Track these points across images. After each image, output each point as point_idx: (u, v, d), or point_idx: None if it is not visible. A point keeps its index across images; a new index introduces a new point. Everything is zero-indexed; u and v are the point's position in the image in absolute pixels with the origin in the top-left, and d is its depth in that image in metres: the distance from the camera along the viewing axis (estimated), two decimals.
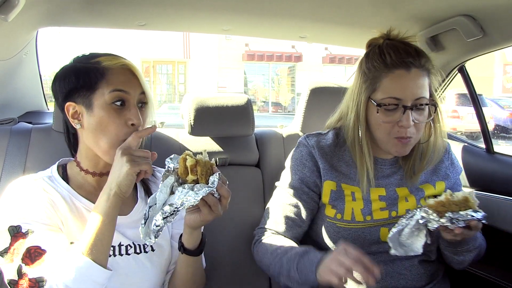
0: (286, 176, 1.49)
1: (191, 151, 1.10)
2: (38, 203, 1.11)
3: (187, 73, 21.93)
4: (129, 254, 1.18)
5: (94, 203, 1.16)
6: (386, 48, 1.28)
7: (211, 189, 1.04)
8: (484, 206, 1.63)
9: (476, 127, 2.04)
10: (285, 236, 1.43)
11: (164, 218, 1.03)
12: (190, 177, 1.05)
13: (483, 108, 1.89)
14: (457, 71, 1.85)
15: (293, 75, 23.00)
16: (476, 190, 1.54)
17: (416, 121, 1.27)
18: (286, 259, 1.29)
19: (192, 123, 1.69)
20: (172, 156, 1.12)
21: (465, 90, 1.89)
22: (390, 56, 1.26)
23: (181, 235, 1.22)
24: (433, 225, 1.17)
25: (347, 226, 1.37)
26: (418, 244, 1.22)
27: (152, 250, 1.23)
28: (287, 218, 1.43)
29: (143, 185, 1.31)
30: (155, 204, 1.06)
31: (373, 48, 1.33)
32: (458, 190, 1.44)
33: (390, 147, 1.33)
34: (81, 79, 1.16)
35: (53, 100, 1.28)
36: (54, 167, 1.25)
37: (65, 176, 1.22)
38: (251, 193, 1.77)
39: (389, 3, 1.53)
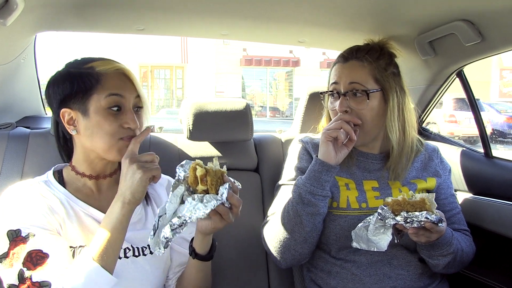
0: (286, 173, 1.56)
1: (197, 159, 1.09)
2: (36, 208, 1.11)
3: (185, 78, 21.94)
4: (127, 257, 1.18)
5: (92, 206, 1.18)
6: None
7: (220, 201, 1.03)
8: (483, 210, 1.64)
9: (473, 131, 2.05)
10: None
11: (172, 230, 1.03)
12: (200, 187, 1.05)
13: (480, 112, 1.90)
14: (455, 76, 1.86)
15: (291, 80, 23.03)
16: (475, 195, 1.55)
17: (351, 106, 1.40)
18: (289, 200, 1.39)
19: (191, 128, 1.69)
20: (183, 162, 1.12)
21: (462, 95, 1.89)
22: (339, 55, 1.49)
23: (191, 241, 1.22)
24: (389, 222, 1.23)
25: (343, 213, 1.41)
26: (384, 241, 1.26)
27: (151, 253, 1.22)
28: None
29: None
30: (165, 213, 1.06)
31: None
32: (448, 189, 1.53)
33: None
34: (76, 85, 1.16)
35: None
36: (50, 172, 1.25)
37: (61, 181, 1.23)
38: (250, 198, 1.76)
39: (388, 8, 1.53)
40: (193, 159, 1.72)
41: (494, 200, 1.63)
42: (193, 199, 1.03)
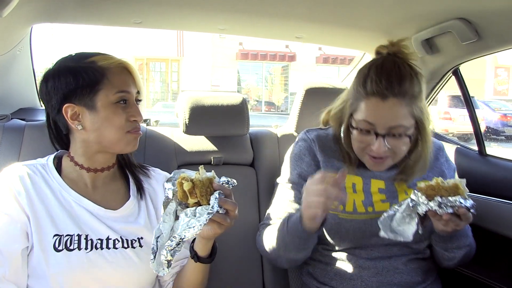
0: (285, 172, 1.52)
1: (182, 169, 1.09)
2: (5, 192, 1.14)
3: (180, 71, 21.86)
4: (116, 248, 1.19)
5: (84, 197, 1.20)
6: (372, 73, 1.29)
7: (211, 214, 1.01)
8: (477, 208, 1.65)
9: (467, 129, 2.06)
10: None
11: (170, 251, 1.02)
12: (191, 200, 1.03)
13: (475, 109, 1.91)
14: (451, 74, 1.86)
15: (287, 74, 23.00)
16: (468, 193, 1.56)
17: (390, 147, 1.29)
18: (278, 232, 1.37)
19: (187, 122, 1.69)
20: (170, 175, 1.11)
21: (457, 92, 1.90)
22: (371, 83, 1.28)
23: (192, 243, 1.22)
24: (422, 209, 1.19)
25: (349, 217, 1.38)
26: (409, 231, 1.23)
27: (140, 246, 1.22)
28: (288, 213, 1.44)
29: (136, 182, 1.32)
30: (162, 234, 1.05)
31: (364, 66, 1.35)
32: None
33: (365, 162, 1.38)
34: (81, 79, 1.16)
35: None
36: (51, 156, 1.27)
37: (59, 168, 1.24)
38: (245, 193, 1.77)
39: (385, 5, 1.53)
40: (189, 153, 1.74)
41: (488, 197, 1.64)
42: (186, 215, 1.02)
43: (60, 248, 1.12)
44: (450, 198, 1.16)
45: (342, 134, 1.42)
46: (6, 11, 1.23)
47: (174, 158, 1.72)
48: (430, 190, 1.19)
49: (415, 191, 1.21)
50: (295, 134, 1.91)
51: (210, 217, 1.01)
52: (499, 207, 1.58)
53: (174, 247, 1.01)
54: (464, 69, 1.86)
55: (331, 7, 1.60)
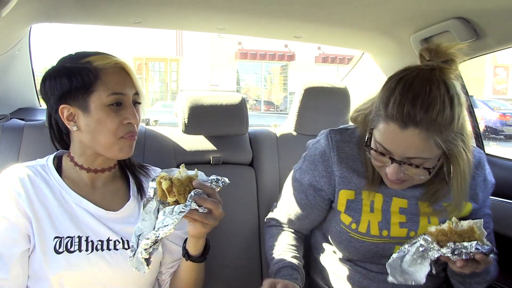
0: (301, 166, 1.42)
1: (162, 172, 1.07)
2: (5, 195, 1.13)
3: (179, 71, 21.85)
4: (117, 249, 1.18)
5: (84, 198, 1.19)
6: (397, 92, 1.10)
7: (184, 212, 1.00)
8: None
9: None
10: (288, 228, 1.47)
11: (146, 249, 1.02)
12: (170, 199, 1.04)
13: (474, 110, 1.91)
14: None
15: (286, 74, 23.00)
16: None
17: (408, 173, 1.15)
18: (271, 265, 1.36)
19: (186, 122, 1.69)
20: (155, 176, 1.11)
21: None
22: (393, 105, 1.09)
23: (185, 242, 1.22)
24: (433, 255, 1.08)
25: (361, 238, 1.29)
26: (421, 273, 1.12)
27: None
28: (291, 213, 1.43)
29: (136, 182, 1.31)
30: (143, 232, 1.05)
31: (392, 80, 1.14)
32: (484, 209, 1.34)
33: (383, 178, 1.24)
34: (75, 81, 1.15)
35: None
36: (51, 157, 1.26)
37: (59, 168, 1.23)
38: (244, 192, 1.77)
39: (384, 5, 1.53)
40: (188, 152, 1.74)
41: (491, 197, 1.64)
42: (164, 213, 1.02)
43: (60, 250, 1.12)
44: (465, 243, 1.05)
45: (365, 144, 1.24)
46: (5, 10, 1.22)
47: (173, 158, 1.72)
48: (441, 235, 1.08)
49: (425, 236, 1.10)
50: (294, 133, 1.91)
51: (182, 215, 1.00)
52: (498, 206, 1.59)
53: (151, 245, 1.01)
54: (463, 68, 1.86)
55: (330, 7, 1.60)
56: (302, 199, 1.41)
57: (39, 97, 2.21)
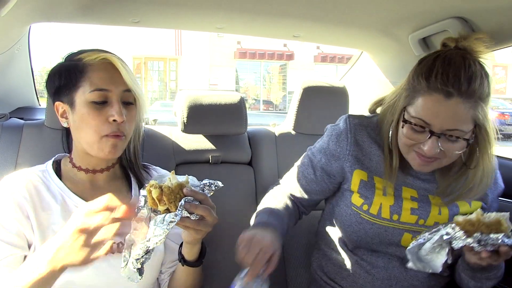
0: (317, 144, 1.45)
1: (150, 181, 1.03)
2: (8, 206, 1.10)
3: (178, 70, 21.85)
4: (120, 252, 1.18)
5: (86, 200, 1.15)
6: (441, 62, 1.15)
7: (175, 222, 0.97)
8: None
9: None
10: (290, 195, 1.48)
11: (137, 260, 0.99)
12: (161, 207, 1.01)
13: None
14: None
15: (285, 73, 23.02)
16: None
17: (443, 149, 1.16)
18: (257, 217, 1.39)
19: (185, 121, 1.69)
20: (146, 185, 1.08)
21: None
22: (436, 75, 1.13)
23: (180, 247, 1.21)
24: (458, 244, 1.08)
25: (371, 219, 1.30)
26: (437, 261, 1.14)
27: None
28: (297, 183, 1.46)
29: (138, 182, 1.31)
30: (134, 242, 1.02)
31: (430, 56, 1.21)
32: (491, 210, 1.33)
33: (410, 160, 1.25)
34: (63, 78, 1.16)
35: (44, 96, 1.28)
36: (50, 162, 1.25)
37: (58, 172, 1.22)
38: (243, 191, 1.78)
39: (382, 4, 1.54)
40: (187, 151, 1.74)
41: None
42: (155, 222, 0.99)
43: None
44: (491, 235, 1.05)
45: (390, 131, 1.27)
46: (5, 10, 1.23)
47: (172, 157, 1.73)
48: (468, 225, 1.08)
49: (452, 224, 1.10)
50: (293, 132, 1.92)
51: (173, 225, 0.97)
52: (499, 206, 1.59)
53: (143, 255, 0.99)
54: None
55: (328, 6, 1.60)
56: (310, 174, 1.43)
57: (38, 96, 2.21)
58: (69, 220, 0.90)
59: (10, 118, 1.71)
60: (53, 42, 15.90)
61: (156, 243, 0.96)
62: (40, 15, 1.62)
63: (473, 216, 1.08)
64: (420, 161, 1.21)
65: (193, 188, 1.03)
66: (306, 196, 1.46)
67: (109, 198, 0.89)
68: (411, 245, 1.17)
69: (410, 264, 1.17)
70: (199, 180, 1.09)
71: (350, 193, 1.36)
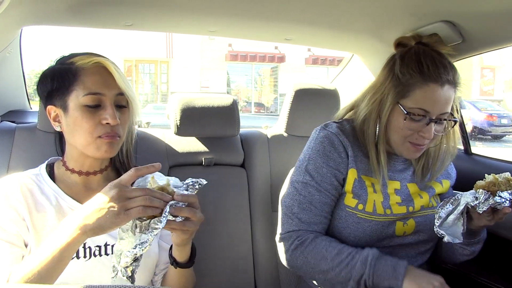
0: (311, 166, 1.38)
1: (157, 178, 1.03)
2: (4, 208, 1.10)
3: (169, 73, 21.78)
4: (108, 255, 1.17)
5: (80, 203, 1.15)
6: (424, 56, 1.29)
7: (159, 229, 0.95)
8: None
9: None
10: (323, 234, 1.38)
11: (126, 268, 0.97)
12: None
13: (461, 110, 1.94)
14: None
15: (276, 75, 23.02)
16: (454, 190, 1.59)
17: (436, 132, 1.31)
18: (359, 262, 1.24)
19: (178, 123, 1.70)
20: None
21: None
22: (428, 67, 1.26)
23: (170, 248, 1.20)
24: (484, 206, 1.17)
25: (368, 217, 1.34)
26: (458, 232, 1.22)
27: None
28: (320, 215, 1.36)
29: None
30: (123, 251, 0.98)
31: (409, 52, 1.32)
32: (450, 192, 1.52)
33: (403, 150, 1.35)
34: (56, 81, 1.16)
35: (35, 99, 1.27)
36: (43, 165, 1.24)
37: (52, 175, 1.22)
38: (236, 193, 1.79)
39: (372, 8, 1.56)
40: (180, 154, 1.75)
41: None
42: (140, 229, 0.97)
43: None
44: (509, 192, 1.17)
45: (377, 129, 1.35)
46: None
47: (165, 160, 1.73)
48: (492, 186, 1.19)
49: (471, 191, 1.21)
50: (285, 134, 1.93)
51: (158, 231, 0.95)
52: None
53: (131, 263, 0.96)
54: None
55: (320, 10, 1.62)
56: (321, 198, 1.36)
57: (30, 99, 2.20)
58: (96, 195, 0.98)
59: (1, 121, 1.70)
60: (41, 44, 15.77)
61: (143, 250, 0.95)
62: (32, 18, 1.61)
63: (491, 178, 1.20)
64: (414, 149, 1.33)
65: (175, 189, 1.01)
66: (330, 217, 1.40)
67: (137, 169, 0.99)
68: (436, 223, 1.24)
69: (446, 238, 1.22)
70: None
71: (343, 196, 1.38)
